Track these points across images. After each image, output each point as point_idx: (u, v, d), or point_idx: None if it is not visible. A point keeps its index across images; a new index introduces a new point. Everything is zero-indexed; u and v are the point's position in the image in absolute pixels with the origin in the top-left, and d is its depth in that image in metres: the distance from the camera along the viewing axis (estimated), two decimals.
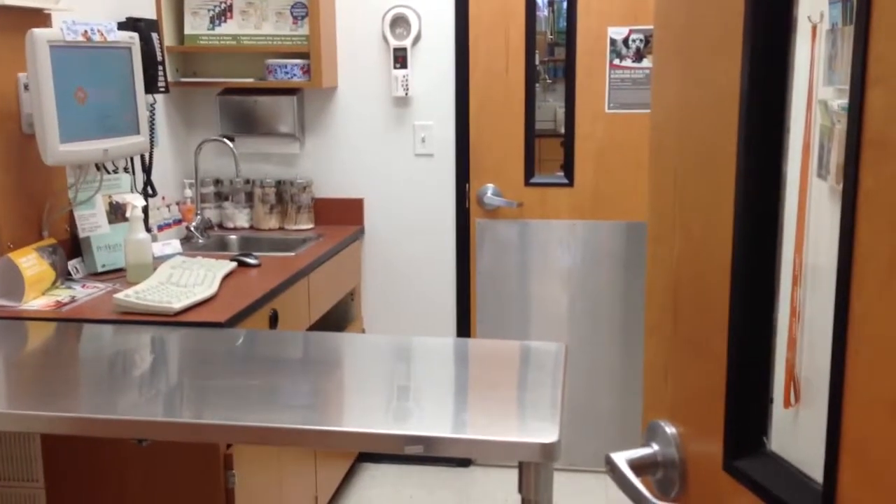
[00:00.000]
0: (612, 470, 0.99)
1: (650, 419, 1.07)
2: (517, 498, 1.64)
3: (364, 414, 1.77)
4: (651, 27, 3.23)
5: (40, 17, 2.54)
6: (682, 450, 1.01)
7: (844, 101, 0.78)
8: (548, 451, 1.54)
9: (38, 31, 2.35)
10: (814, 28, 0.82)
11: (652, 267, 1.08)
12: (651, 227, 1.08)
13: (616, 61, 3.31)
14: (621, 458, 1.00)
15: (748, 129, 0.86)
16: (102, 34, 2.56)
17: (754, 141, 0.86)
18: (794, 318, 0.86)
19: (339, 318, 3.45)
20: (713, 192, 0.92)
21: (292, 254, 3.06)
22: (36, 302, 2.40)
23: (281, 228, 3.52)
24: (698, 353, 0.96)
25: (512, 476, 1.66)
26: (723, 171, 0.89)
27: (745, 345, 0.88)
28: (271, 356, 2.12)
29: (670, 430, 1.02)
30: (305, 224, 3.51)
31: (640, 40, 3.28)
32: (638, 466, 1.01)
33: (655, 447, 1.04)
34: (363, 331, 3.62)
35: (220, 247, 3.35)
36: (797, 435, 0.87)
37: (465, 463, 3.62)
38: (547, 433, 1.57)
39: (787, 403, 0.87)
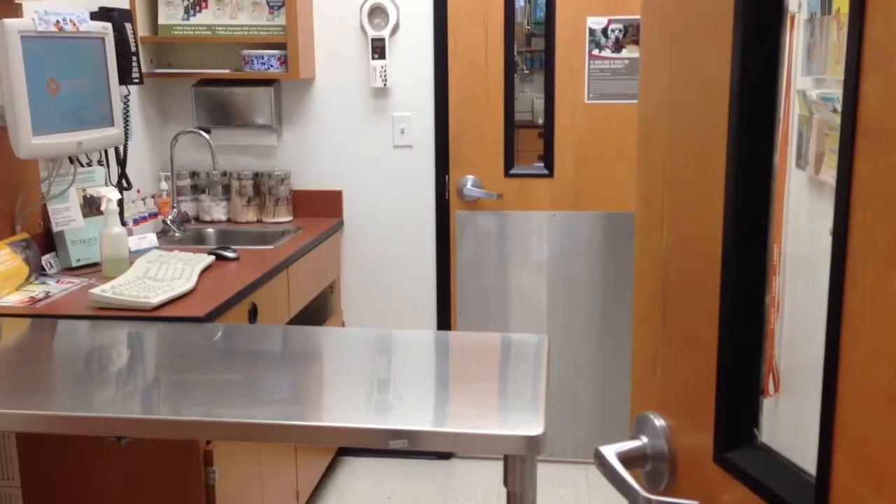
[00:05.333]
0: (602, 463, 0.98)
1: (639, 411, 1.06)
2: (498, 489, 1.64)
3: (346, 408, 1.75)
4: (631, 17, 3.23)
5: (11, 7, 2.49)
6: (671, 442, 1.00)
7: (823, 90, 0.78)
8: (533, 443, 1.53)
9: (8, 22, 2.30)
10: (791, 18, 0.82)
11: (640, 258, 1.07)
12: (639, 217, 1.06)
13: (595, 51, 3.30)
14: (610, 452, 0.99)
15: (739, 117, 0.85)
16: (75, 24, 2.51)
17: (745, 130, 0.85)
18: (772, 307, 0.85)
19: (318, 311, 3.43)
20: (703, 181, 0.91)
21: (271, 247, 3.03)
22: (9, 298, 2.35)
23: (259, 221, 3.49)
24: (688, 344, 0.95)
25: (492, 467, 1.66)
26: (713, 160, 0.88)
27: (736, 336, 0.88)
28: (251, 351, 2.10)
29: (660, 422, 1.02)
30: (284, 217, 3.48)
31: (620, 30, 3.27)
32: (627, 459, 1.00)
33: (644, 440, 1.03)
34: (343, 324, 3.59)
35: (197, 240, 3.31)
36: (778, 424, 0.86)
37: (445, 455, 3.60)
38: (531, 426, 1.56)
39: (766, 393, 0.87)
